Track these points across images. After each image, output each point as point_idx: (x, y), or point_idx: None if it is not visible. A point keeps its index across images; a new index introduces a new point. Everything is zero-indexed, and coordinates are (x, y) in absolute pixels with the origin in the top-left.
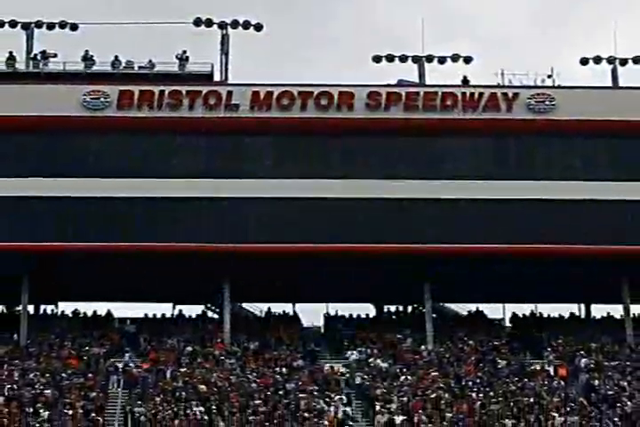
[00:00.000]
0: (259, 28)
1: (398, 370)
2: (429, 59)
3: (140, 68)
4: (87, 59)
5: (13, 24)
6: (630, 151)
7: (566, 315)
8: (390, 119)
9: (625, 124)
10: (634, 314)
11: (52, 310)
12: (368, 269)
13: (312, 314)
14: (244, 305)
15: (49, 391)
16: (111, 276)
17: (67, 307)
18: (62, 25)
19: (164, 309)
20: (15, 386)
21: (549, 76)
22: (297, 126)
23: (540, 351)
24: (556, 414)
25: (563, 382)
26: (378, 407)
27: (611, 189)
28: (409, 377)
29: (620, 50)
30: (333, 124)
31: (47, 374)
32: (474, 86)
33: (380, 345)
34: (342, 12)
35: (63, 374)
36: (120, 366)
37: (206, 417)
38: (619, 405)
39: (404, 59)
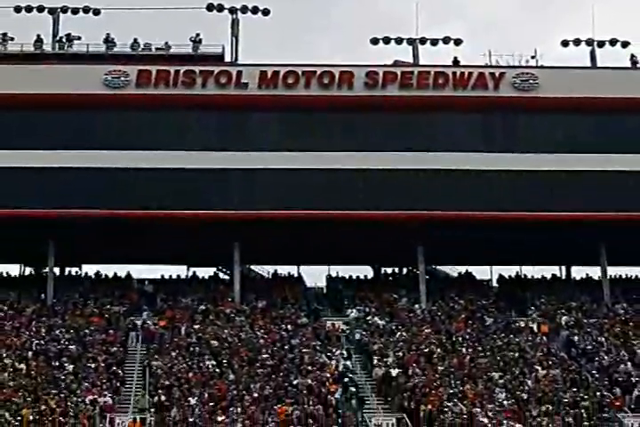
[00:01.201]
0: (266, 12)
1: (394, 327)
2: (423, 41)
3: (157, 49)
4: (108, 41)
5: (41, 9)
6: (606, 125)
7: (548, 276)
8: (387, 96)
9: (602, 101)
10: (610, 275)
11: (77, 272)
12: (366, 234)
13: (315, 275)
14: (253, 267)
15: (73, 346)
16: (130, 240)
17: (90, 269)
18: (86, 10)
19: (178, 270)
20: (42, 341)
21: (533, 57)
22: (301, 103)
23: (525, 310)
24: (539, 368)
25: (545, 338)
26: (375, 361)
27: (589, 161)
28: (404, 333)
29: (598, 32)
30: (334, 100)
31: (71, 331)
32: (463, 66)
33: (378, 304)
34: None
35: (86, 331)
36: (139, 323)
37: (217, 370)
38: (596, 359)
39: (399, 41)
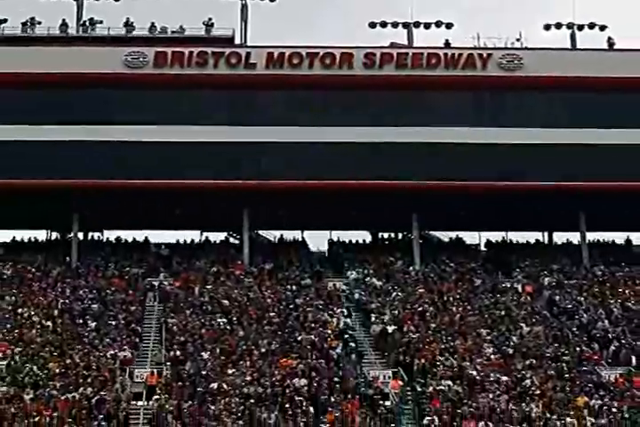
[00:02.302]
0: None
1: (390, 287)
2: (417, 25)
3: (172, 32)
4: (128, 25)
5: None
6: (584, 102)
7: (532, 241)
8: (384, 76)
9: (580, 80)
10: (589, 240)
11: (99, 237)
12: (365, 201)
13: (317, 240)
14: (261, 232)
15: (96, 305)
16: (148, 208)
17: (110, 234)
18: None
19: (192, 235)
20: (67, 301)
21: (518, 40)
22: (305, 82)
23: (510, 272)
24: (523, 325)
25: (529, 298)
26: (373, 319)
27: (569, 135)
28: (399, 293)
29: (578, 17)
30: (335, 79)
31: (94, 291)
32: (454, 48)
33: (375, 266)
34: None
35: (107, 291)
36: (156, 284)
37: (228, 327)
38: (576, 317)
39: (395, 25)
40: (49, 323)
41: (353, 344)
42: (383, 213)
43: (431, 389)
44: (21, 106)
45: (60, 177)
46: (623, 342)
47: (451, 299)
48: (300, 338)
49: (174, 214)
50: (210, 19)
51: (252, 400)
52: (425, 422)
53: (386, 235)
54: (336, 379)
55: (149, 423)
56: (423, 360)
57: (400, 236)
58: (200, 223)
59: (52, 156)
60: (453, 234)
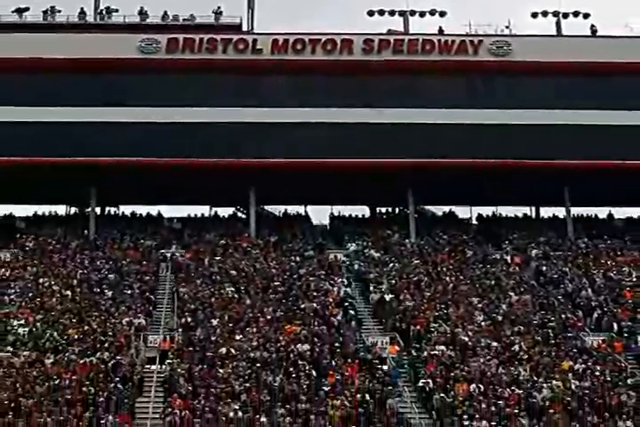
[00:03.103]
0: None
1: (387, 258)
2: (412, 13)
3: (183, 20)
4: (142, 13)
5: None
6: (569, 85)
7: (520, 215)
8: (381, 60)
9: (565, 65)
10: (574, 214)
11: (115, 212)
12: (364, 178)
13: (319, 214)
14: (266, 207)
15: (112, 276)
16: (161, 184)
17: (126, 209)
18: None
19: (202, 210)
20: (85, 271)
21: (507, 27)
22: (308, 66)
23: (500, 244)
24: (512, 294)
25: (517, 268)
26: (371, 288)
27: (554, 115)
28: (396, 264)
29: (564, 5)
30: (336, 64)
31: (110, 262)
32: (447, 35)
33: (373, 239)
34: None
35: (123, 262)
36: (168, 255)
37: (236, 296)
38: (562, 286)
39: (392, 13)
40: (68, 292)
41: (352, 312)
42: (381, 189)
43: (426, 353)
44: (43, 89)
45: (79, 155)
46: (605, 309)
47: (444, 269)
48: (303, 306)
49: (185, 190)
50: (219, 7)
51: (258, 364)
52: (420, 384)
53: (383, 209)
54: (337, 344)
55: (162, 386)
56: (418, 327)
57: (397, 210)
58: (209, 199)
59: (72, 135)
60: (447, 208)
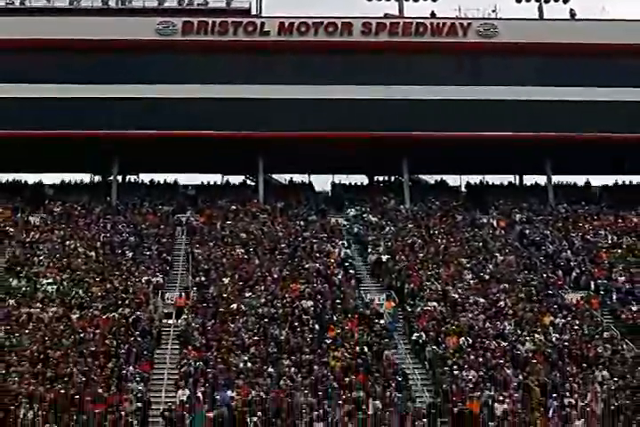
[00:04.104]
0: None
1: (384, 223)
2: None
3: (198, 4)
4: None
5: None
6: (550, 64)
7: (505, 183)
8: (378, 42)
9: (546, 46)
10: (554, 182)
11: (135, 179)
12: (363, 149)
13: (322, 182)
14: (273, 176)
15: (132, 238)
16: (178, 154)
17: (145, 177)
18: None
19: (215, 178)
20: (108, 234)
21: (493, 11)
22: (311, 47)
23: (487, 209)
24: (498, 254)
25: (503, 231)
26: (369, 249)
27: (536, 92)
28: (392, 228)
29: None
30: (337, 45)
31: (131, 226)
32: (439, 18)
33: (371, 205)
34: None
35: (143, 226)
36: (184, 219)
37: (245, 256)
38: (543, 248)
39: None
40: (92, 253)
41: (352, 271)
42: (378, 160)
43: (419, 309)
44: (70, 68)
45: (102, 128)
46: (583, 269)
47: (436, 232)
48: (306, 266)
49: (200, 160)
50: None
51: (265, 319)
52: (414, 337)
53: (381, 178)
54: (337, 301)
55: (178, 339)
56: (412, 285)
57: (393, 179)
58: (221, 168)
59: (96, 110)
60: (438, 177)
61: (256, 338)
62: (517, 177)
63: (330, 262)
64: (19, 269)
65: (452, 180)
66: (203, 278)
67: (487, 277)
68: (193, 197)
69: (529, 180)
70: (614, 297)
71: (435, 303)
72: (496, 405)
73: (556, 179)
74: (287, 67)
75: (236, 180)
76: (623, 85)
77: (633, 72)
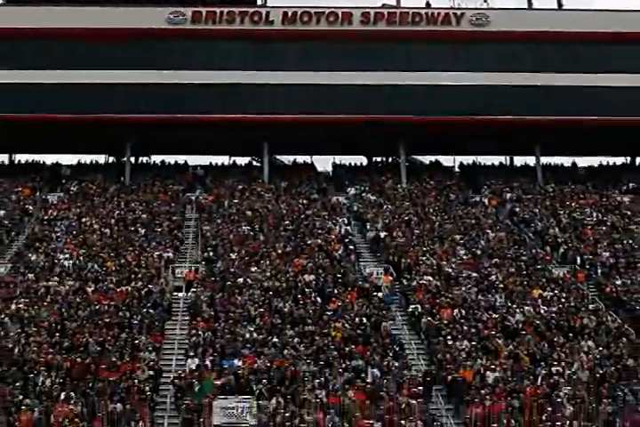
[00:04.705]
0: None
1: (382, 201)
2: None
3: None
4: None
5: None
6: (538, 51)
7: (497, 163)
8: (377, 30)
9: (536, 34)
10: (543, 163)
11: (147, 160)
12: (362, 131)
13: (324, 162)
14: (278, 156)
15: (144, 216)
16: (187, 137)
17: (157, 158)
18: None
19: (223, 159)
20: (122, 212)
21: (485, 1)
22: (313, 35)
23: (479, 188)
24: (489, 231)
25: (494, 209)
26: (368, 226)
27: (526, 78)
28: (389, 206)
29: None
30: (338, 33)
31: (143, 204)
32: (434, 8)
33: (370, 184)
34: None
35: (154, 204)
36: (193, 198)
37: (251, 233)
38: (532, 225)
39: None
40: (107, 230)
41: (352, 247)
42: (377, 141)
43: (415, 283)
44: (86, 55)
45: (116, 112)
46: (570, 245)
47: (431, 210)
48: (309, 242)
49: (208, 141)
50: None
51: (270, 292)
52: (410, 309)
53: (379, 159)
54: (338, 275)
55: (188, 310)
56: (408, 260)
57: (390, 159)
58: (229, 149)
59: (111, 95)
60: (433, 158)
61: (261, 310)
62: (508, 158)
63: (331, 239)
64: (37, 244)
65: (447, 160)
66: (211, 254)
67: (479, 252)
68: (202, 177)
69: (519, 161)
70: (599, 271)
71: (430, 277)
72: (488, 373)
73: (544, 160)
74: (290, 54)
75: (242, 161)
76: (608, 71)
77: (616, 58)
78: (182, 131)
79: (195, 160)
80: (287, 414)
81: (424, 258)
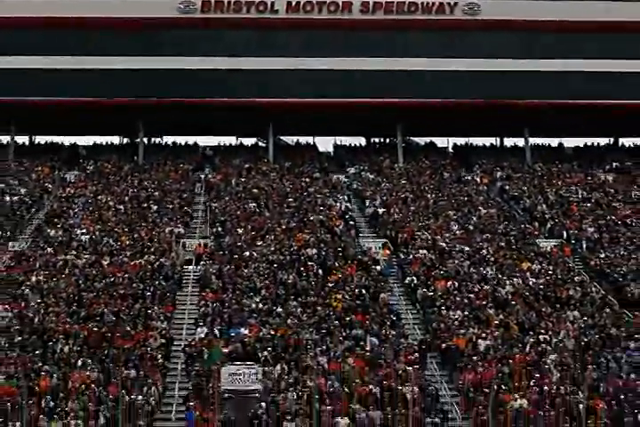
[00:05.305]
0: None
1: (380, 179)
2: None
3: None
4: None
5: None
6: (527, 39)
7: (488, 144)
8: (375, 19)
9: (524, 22)
10: (531, 144)
11: (159, 141)
12: (362, 114)
13: (325, 143)
14: (282, 137)
15: (157, 193)
16: (197, 119)
17: (168, 139)
18: None
19: (230, 140)
20: (135, 190)
21: None
22: (315, 24)
23: (471, 167)
24: (481, 208)
25: (486, 187)
26: (367, 203)
27: (515, 63)
28: (387, 184)
29: None
30: (339, 22)
31: (156, 182)
32: None
33: (369, 164)
34: None
35: (166, 182)
36: (202, 177)
37: (257, 209)
38: (521, 202)
39: None
40: (121, 206)
41: (352, 223)
42: (375, 123)
43: (411, 256)
44: (101, 42)
45: (130, 96)
46: (557, 221)
47: (426, 188)
48: (311, 218)
49: (217, 123)
50: None
51: (275, 265)
52: (406, 281)
53: (377, 140)
54: (339, 249)
55: (197, 282)
56: (405, 235)
57: (388, 140)
58: (236, 131)
59: (125, 80)
60: (428, 139)
61: (266, 282)
62: (499, 139)
63: (332, 215)
64: (56, 220)
65: (441, 141)
66: (219, 229)
67: (471, 227)
68: (211, 157)
69: (509, 142)
70: (584, 246)
71: (425, 251)
72: (479, 341)
73: (532, 141)
74: (294, 41)
75: (248, 141)
76: (597, 57)
77: (605, 46)
78: (192, 113)
79: (204, 141)
80: (290, 380)
81: (419, 233)
